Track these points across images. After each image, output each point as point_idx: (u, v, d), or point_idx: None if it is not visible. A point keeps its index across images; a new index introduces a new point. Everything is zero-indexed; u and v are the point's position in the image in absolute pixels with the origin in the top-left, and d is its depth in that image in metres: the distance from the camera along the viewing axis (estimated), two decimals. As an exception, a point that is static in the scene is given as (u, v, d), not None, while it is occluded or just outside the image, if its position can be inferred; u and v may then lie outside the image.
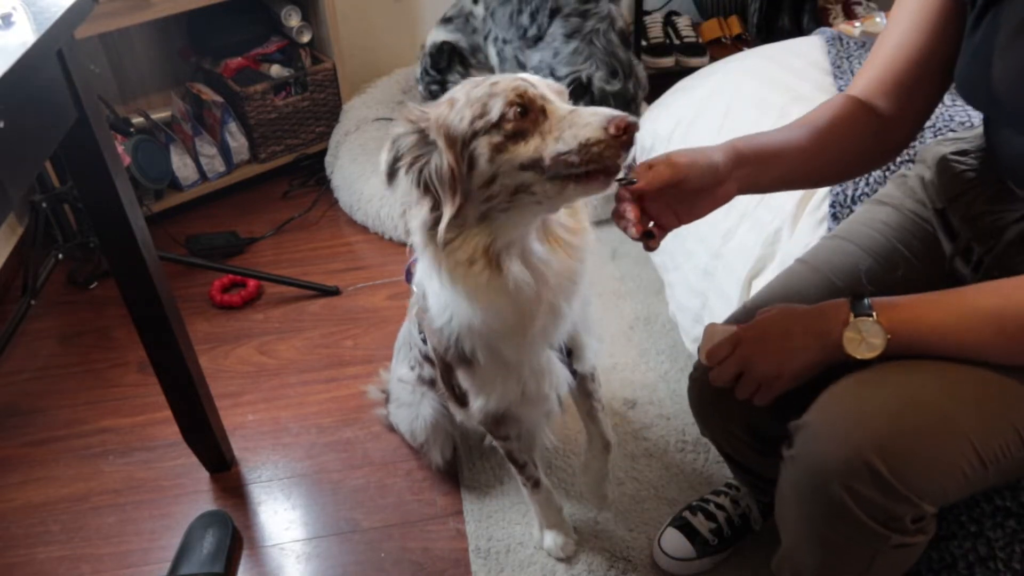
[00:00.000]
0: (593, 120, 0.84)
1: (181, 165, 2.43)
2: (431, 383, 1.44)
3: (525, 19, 2.19)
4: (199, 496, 1.65)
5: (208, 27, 2.50)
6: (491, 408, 1.18)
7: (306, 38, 2.57)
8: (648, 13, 2.95)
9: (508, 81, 0.88)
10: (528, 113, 0.87)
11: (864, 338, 0.88)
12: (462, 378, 1.19)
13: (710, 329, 1.01)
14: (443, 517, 1.56)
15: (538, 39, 2.18)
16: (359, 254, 2.37)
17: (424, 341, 1.33)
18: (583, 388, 1.38)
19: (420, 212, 0.94)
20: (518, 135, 0.87)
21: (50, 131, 1.12)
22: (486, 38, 2.37)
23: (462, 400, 1.24)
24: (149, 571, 1.50)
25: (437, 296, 1.04)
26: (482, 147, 0.88)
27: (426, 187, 0.92)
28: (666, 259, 1.88)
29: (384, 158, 0.93)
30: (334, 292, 2.20)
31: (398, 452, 1.71)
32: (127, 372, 1.97)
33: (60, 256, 2.24)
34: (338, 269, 2.30)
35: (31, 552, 1.55)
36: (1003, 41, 0.89)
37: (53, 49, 1.08)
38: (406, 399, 1.56)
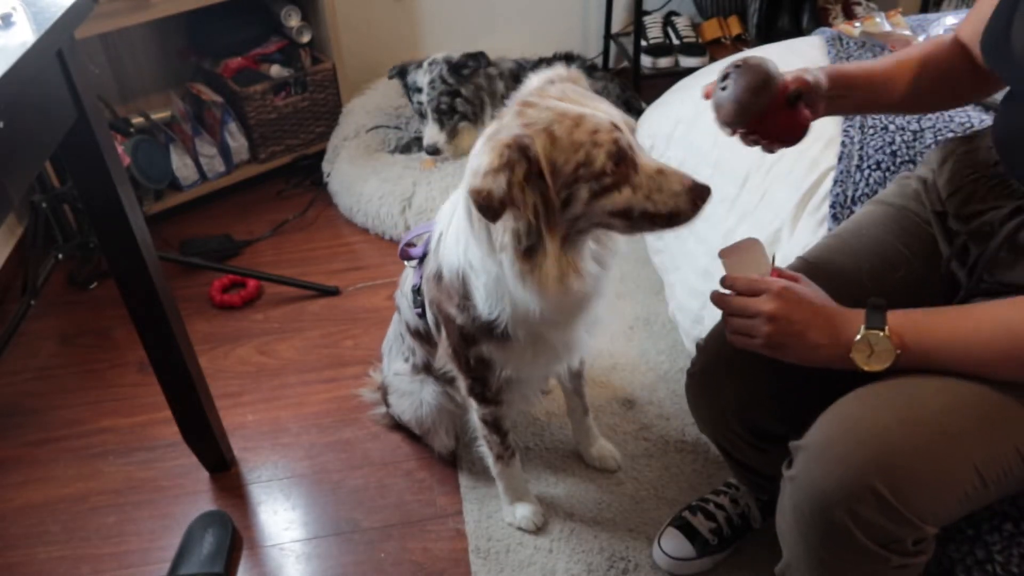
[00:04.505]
0: (681, 191, 0.97)
1: (181, 165, 2.43)
2: (426, 368, 1.50)
3: None
4: (199, 496, 1.65)
5: (208, 27, 2.50)
6: (520, 375, 1.28)
7: (306, 38, 2.57)
8: (648, 13, 2.95)
9: (606, 131, 0.95)
10: (620, 164, 0.96)
11: (873, 351, 0.88)
12: (488, 350, 1.24)
13: (751, 247, 1.00)
14: (443, 517, 1.56)
15: None
16: (359, 254, 2.37)
17: (421, 315, 1.37)
18: (575, 369, 1.52)
19: (507, 232, 0.98)
20: (614, 185, 0.97)
21: (50, 131, 1.12)
22: None
23: (475, 370, 1.29)
24: (149, 571, 1.50)
25: (490, 288, 1.12)
26: (582, 192, 0.97)
27: (528, 211, 0.96)
28: (666, 260, 1.88)
29: (497, 181, 0.92)
30: (334, 292, 2.20)
31: (398, 452, 1.71)
32: (127, 372, 1.97)
33: (60, 256, 2.24)
34: (338, 269, 2.30)
35: (31, 552, 1.55)
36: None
37: (53, 49, 1.08)
38: (406, 388, 1.59)
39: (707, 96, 1.03)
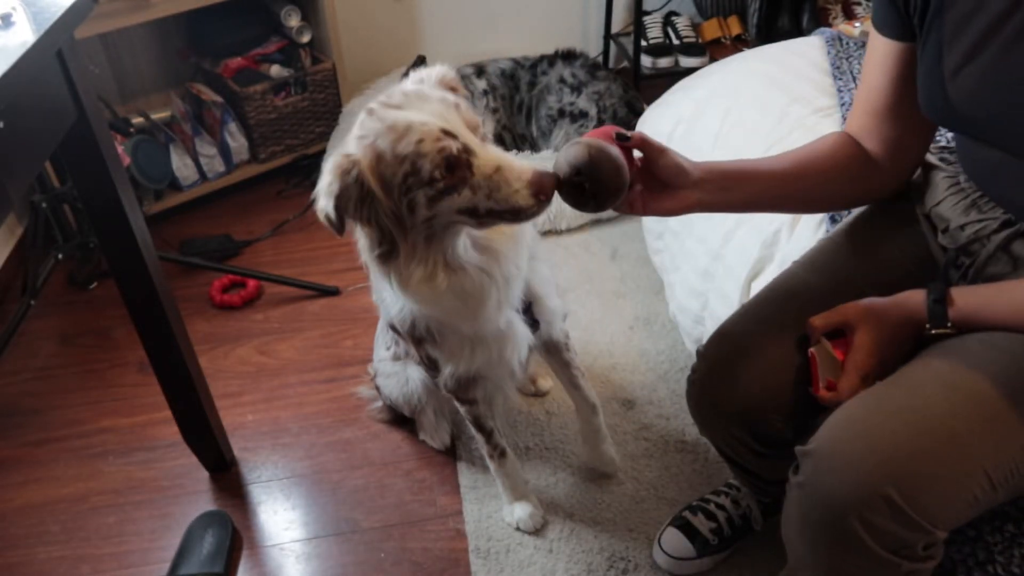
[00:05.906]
0: (520, 187, 0.94)
1: (181, 165, 2.43)
2: (408, 355, 1.52)
3: None
4: (199, 496, 1.65)
5: (208, 27, 2.50)
6: (460, 372, 1.28)
7: (306, 38, 2.57)
8: (648, 13, 2.95)
9: (432, 140, 0.93)
10: (455, 170, 0.94)
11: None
12: (431, 348, 1.28)
13: (824, 358, 1.03)
14: (443, 517, 1.56)
15: None
16: (359, 254, 2.37)
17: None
18: (560, 359, 1.47)
19: (366, 242, 1.06)
20: (450, 188, 0.95)
21: (50, 131, 1.12)
22: None
23: (433, 366, 1.32)
24: (149, 571, 1.51)
25: (391, 294, 1.14)
26: (419, 198, 0.96)
27: (373, 223, 1.01)
28: (666, 260, 1.88)
29: (328, 204, 0.98)
30: (334, 292, 2.20)
31: (398, 452, 1.71)
32: (127, 372, 1.97)
33: (60, 256, 2.24)
34: (338, 269, 2.30)
35: (31, 552, 1.55)
36: (950, 67, 0.91)
37: (53, 49, 1.08)
38: (390, 370, 1.61)
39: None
